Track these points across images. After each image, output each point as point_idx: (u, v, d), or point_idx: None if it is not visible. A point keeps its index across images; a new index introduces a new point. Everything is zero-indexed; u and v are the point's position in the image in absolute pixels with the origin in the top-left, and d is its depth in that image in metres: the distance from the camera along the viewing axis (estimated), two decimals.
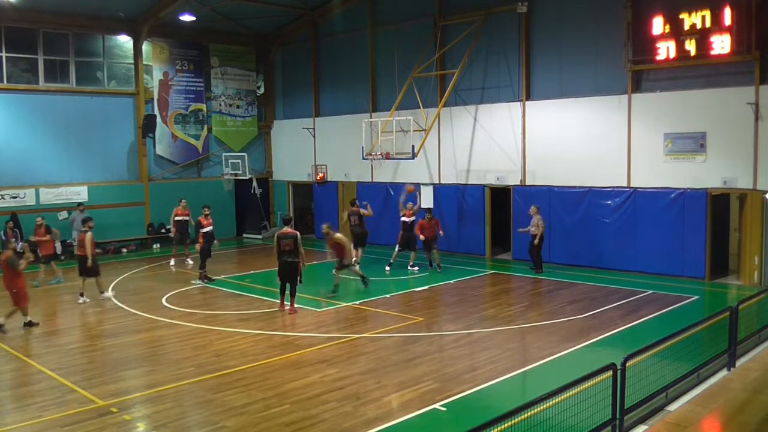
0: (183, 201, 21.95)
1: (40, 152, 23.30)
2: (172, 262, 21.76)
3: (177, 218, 21.56)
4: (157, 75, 26.02)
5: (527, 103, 20.66)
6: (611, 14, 18.68)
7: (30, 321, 14.05)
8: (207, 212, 18.96)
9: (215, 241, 19.53)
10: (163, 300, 16.40)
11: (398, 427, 8.63)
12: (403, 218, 19.83)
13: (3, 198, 22.51)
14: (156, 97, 25.99)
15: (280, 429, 8.64)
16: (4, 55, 22.62)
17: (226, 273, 19.89)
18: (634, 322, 13.62)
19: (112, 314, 15.32)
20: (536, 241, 18.91)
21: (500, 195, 21.84)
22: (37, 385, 10.54)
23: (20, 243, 22.16)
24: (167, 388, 10.22)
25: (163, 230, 25.90)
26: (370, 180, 25.18)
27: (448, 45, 22.01)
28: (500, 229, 21.92)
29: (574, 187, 19.75)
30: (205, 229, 18.58)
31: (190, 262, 21.42)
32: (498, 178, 21.48)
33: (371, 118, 23.82)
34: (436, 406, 9.28)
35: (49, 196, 23.44)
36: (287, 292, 15.04)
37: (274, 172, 29.73)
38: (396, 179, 24.32)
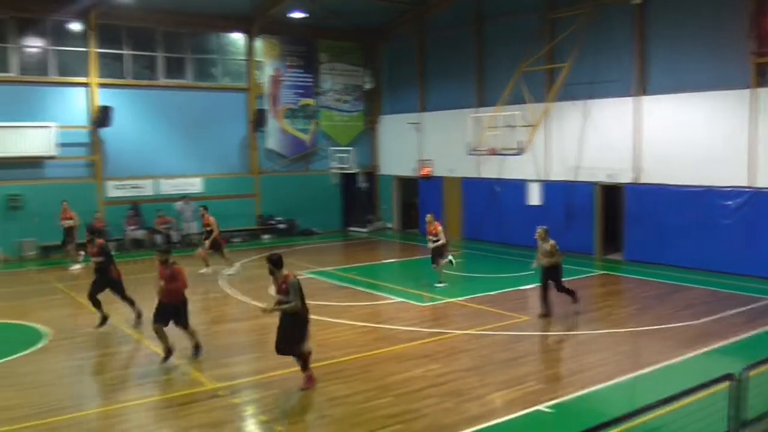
0: (63, 203, 21.04)
1: (159, 145, 24.47)
2: (77, 266, 20.27)
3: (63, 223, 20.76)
4: (268, 71, 26.76)
5: (642, 98, 19.84)
6: (733, 4, 17.65)
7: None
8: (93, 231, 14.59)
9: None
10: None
11: (501, 427, 8.49)
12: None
13: (125, 188, 23.84)
14: (267, 92, 26.75)
15: (382, 421, 8.68)
16: (128, 53, 23.93)
17: (332, 265, 20.23)
18: (755, 330, 12.81)
19: (223, 302, 15.90)
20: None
21: (611, 193, 21.10)
22: (150, 366, 11.05)
23: (140, 230, 23.58)
24: (274, 375, 10.47)
25: (272, 221, 26.65)
26: (476, 176, 24.95)
27: (556, 38, 21.47)
28: (611, 228, 21.20)
29: (691, 186, 18.77)
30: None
31: (76, 266, 20.23)
32: (609, 176, 20.75)
33: (477, 113, 23.57)
34: (541, 407, 9.06)
35: (167, 186, 24.62)
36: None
37: (380, 166, 29.98)
38: (502, 175, 23.97)
